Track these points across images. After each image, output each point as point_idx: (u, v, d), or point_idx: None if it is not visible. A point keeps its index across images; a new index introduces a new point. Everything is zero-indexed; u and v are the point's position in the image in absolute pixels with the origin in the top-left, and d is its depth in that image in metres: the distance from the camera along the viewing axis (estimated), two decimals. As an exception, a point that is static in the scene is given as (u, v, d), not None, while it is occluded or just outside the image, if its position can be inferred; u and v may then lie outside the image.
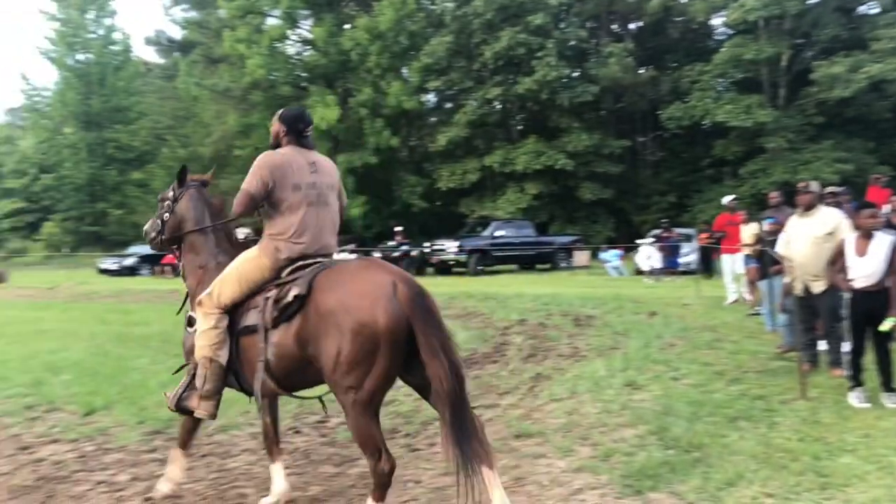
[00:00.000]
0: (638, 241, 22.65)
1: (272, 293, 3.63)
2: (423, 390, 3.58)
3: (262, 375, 3.64)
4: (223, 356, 3.83)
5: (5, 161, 52.59)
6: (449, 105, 38.10)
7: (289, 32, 34.88)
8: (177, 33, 46.27)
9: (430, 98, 38.50)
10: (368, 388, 3.31)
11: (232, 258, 4.02)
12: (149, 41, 47.65)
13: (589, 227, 32.42)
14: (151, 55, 51.15)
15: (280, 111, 4.03)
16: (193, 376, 3.91)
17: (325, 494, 4.19)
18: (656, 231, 21.78)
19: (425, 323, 3.30)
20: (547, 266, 24.89)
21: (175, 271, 25.53)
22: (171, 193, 4.52)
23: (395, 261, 23.82)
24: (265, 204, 3.79)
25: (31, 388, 6.86)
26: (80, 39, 44.00)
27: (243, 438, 5.27)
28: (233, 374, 3.90)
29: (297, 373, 3.59)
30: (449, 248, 23.60)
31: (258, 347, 3.63)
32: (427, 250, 24.27)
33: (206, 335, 3.80)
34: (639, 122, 37.84)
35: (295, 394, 3.85)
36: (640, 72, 35.41)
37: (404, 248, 24.04)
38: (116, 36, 44.86)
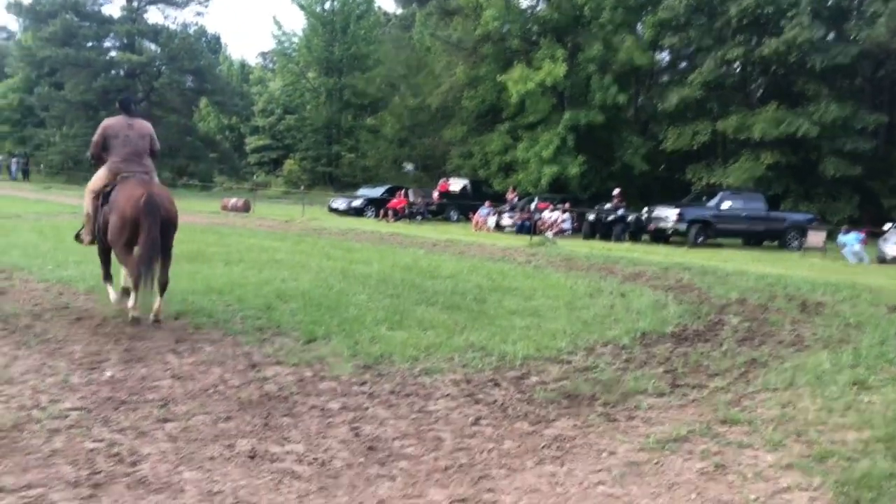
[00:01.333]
0: (886, 226, 20.40)
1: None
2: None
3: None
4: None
5: (256, 100, 57.61)
6: (683, 64, 36.21)
7: (524, -17, 34.76)
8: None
9: (664, 56, 36.81)
10: (118, 243, 6.83)
11: None
12: (391, -8, 49.72)
13: (829, 204, 29.49)
14: (391, 5, 53.29)
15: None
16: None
17: (518, 450, 4.19)
18: (909, 216, 19.45)
19: (146, 219, 6.56)
20: (775, 244, 23.18)
21: (396, 216, 26.81)
22: None
23: (608, 225, 23.33)
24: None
25: (263, 312, 7.50)
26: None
27: (445, 383, 5.41)
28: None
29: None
30: (668, 215, 22.66)
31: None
32: (644, 216, 23.48)
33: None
34: (901, 94, 33.70)
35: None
36: (911, 35, 31.34)
37: (620, 211, 23.41)
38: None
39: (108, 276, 7.70)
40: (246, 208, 27.28)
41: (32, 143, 50.68)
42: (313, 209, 30.54)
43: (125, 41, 47.17)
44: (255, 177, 55.83)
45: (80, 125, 45.88)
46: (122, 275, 7.40)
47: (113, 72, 46.67)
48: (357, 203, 30.37)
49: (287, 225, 21.57)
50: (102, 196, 7.24)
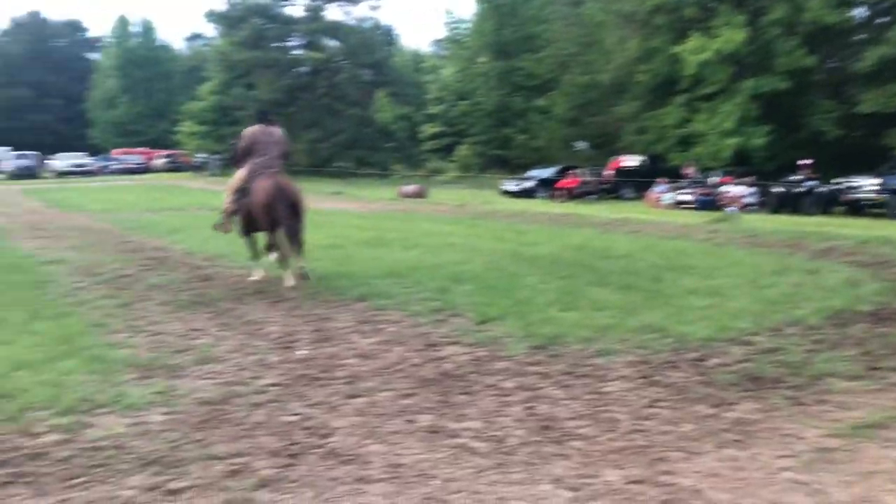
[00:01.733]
0: None
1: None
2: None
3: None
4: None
5: (430, 88, 58.96)
6: (882, 20, 32.92)
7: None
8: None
9: (859, 12, 33.66)
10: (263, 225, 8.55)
11: None
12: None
13: None
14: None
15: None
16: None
17: (696, 433, 4.09)
18: None
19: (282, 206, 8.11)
20: None
21: (570, 195, 26.58)
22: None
23: (796, 198, 21.83)
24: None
25: (438, 294, 7.77)
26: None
27: (620, 365, 5.35)
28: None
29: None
30: (866, 185, 20.83)
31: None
32: (838, 187, 21.74)
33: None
34: None
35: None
36: None
37: (810, 183, 21.83)
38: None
39: (255, 257, 9.17)
40: (421, 194, 28.13)
41: (229, 141, 55.04)
42: (486, 192, 30.92)
43: (308, 40, 49.88)
44: (429, 163, 57.29)
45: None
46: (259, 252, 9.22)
47: (297, 70, 49.53)
48: (528, 184, 30.40)
49: (460, 209, 22.03)
50: (241, 192, 8.75)
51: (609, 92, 37.78)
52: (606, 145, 39.81)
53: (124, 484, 3.40)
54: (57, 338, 5.85)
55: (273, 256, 9.01)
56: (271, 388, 4.81)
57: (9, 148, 62.26)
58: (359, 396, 4.67)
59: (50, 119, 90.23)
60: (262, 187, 8.32)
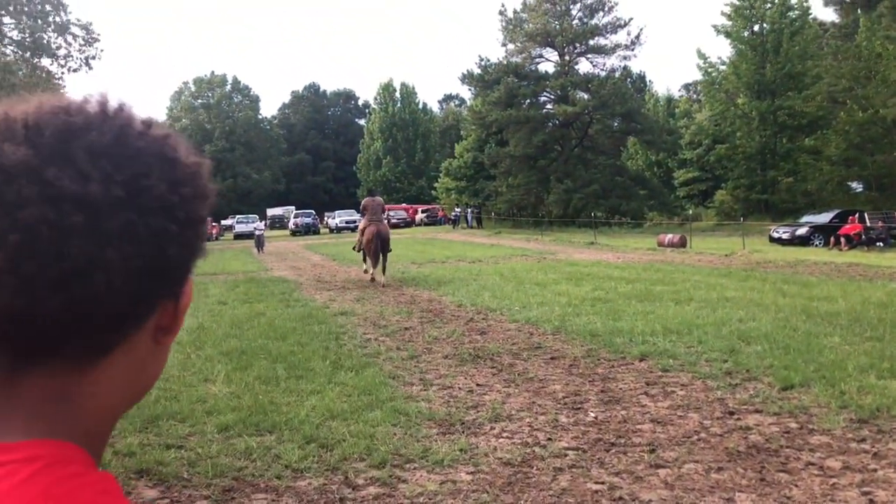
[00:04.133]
0: None
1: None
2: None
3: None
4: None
5: (683, 133, 57.14)
6: None
7: None
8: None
9: None
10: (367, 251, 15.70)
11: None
12: (827, 1, 45.46)
13: None
14: (828, 15, 48.78)
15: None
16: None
17: None
18: None
19: (379, 242, 15.00)
20: None
21: (851, 243, 24.11)
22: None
23: None
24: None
25: (727, 355, 7.27)
26: (757, 10, 44.61)
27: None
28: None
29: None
30: None
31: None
32: None
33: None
34: None
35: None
36: None
37: None
38: (793, 2, 44.02)
39: (365, 262, 16.38)
40: (682, 243, 27.03)
41: (483, 195, 57.12)
42: (752, 240, 28.96)
43: (559, 94, 50.76)
44: (685, 210, 55.23)
45: (524, 176, 50.39)
46: (369, 263, 15.82)
47: (549, 124, 50.48)
48: (802, 231, 28.03)
49: (728, 259, 20.80)
50: (361, 232, 15.75)
51: (894, 128, 34.08)
52: (891, 187, 35.87)
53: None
54: (360, 389, 6.24)
55: (370, 267, 15.87)
56: (569, 452, 4.71)
57: (292, 207, 69.95)
58: (663, 467, 4.42)
59: (324, 180, 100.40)
60: (370, 230, 15.15)
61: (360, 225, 16.02)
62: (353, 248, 16.82)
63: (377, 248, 15.01)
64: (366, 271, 16.27)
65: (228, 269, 22.14)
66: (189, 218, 0.63)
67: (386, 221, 16.25)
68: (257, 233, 32.39)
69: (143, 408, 5.81)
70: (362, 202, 16.18)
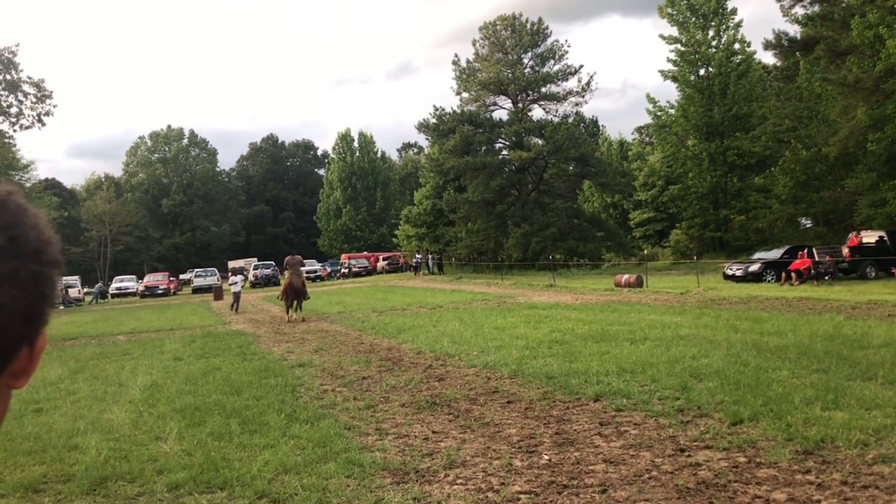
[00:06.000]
0: None
1: None
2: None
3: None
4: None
5: (637, 175, 58.36)
6: None
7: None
8: (796, 32, 44.76)
9: None
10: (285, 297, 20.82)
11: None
12: (767, 45, 47.09)
13: None
14: (769, 58, 50.52)
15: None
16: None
17: None
18: None
19: (292, 291, 20.10)
20: None
21: (801, 278, 24.69)
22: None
23: None
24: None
25: (679, 392, 7.38)
26: (702, 55, 46.13)
27: None
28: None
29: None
30: None
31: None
32: None
33: None
34: None
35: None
36: None
37: None
38: (737, 47, 45.61)
39: (287, 310, 20.43)
40: (639, 283, 27.40)
41: (444, 241, 57.42)
42: (706, 278, 29.53)
43: (514, 140, 51.56)
44: (641, 250, 56.09)
45: (482, 221, 50.79)
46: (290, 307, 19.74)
47: (506, 169, 51.17)
48: (754, 268, 28.63)
49: (683, 297, 21.14)
50: (286, 284, 20.49)
51: (837, 165, 35.26)
52: (838, 222, 36.95)
53: None
54: (315, 441, 6.20)
55: (291, 312, 20.28)
56: (522, 496, 4.73)
57: (253, 259, 69.36)
58: (614, 507, 4.46)
59: (285, 231, 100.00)
60: (286, 283, 20.39)
61: (285, 278, 21.19)
62: (278, 297, 22.62)
63: (291, 296, 20.02)
64: (288, 312, 20.43)
65: (185, 324, 21.84)
66: (54, 260, 0.68)
67: (304, 275, 22.59)
68: (235, 290, 26.71)
69: (91, 469, 5.70)
70: (285, 260, 21.17)
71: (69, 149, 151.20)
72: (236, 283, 27.26)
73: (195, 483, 5.21)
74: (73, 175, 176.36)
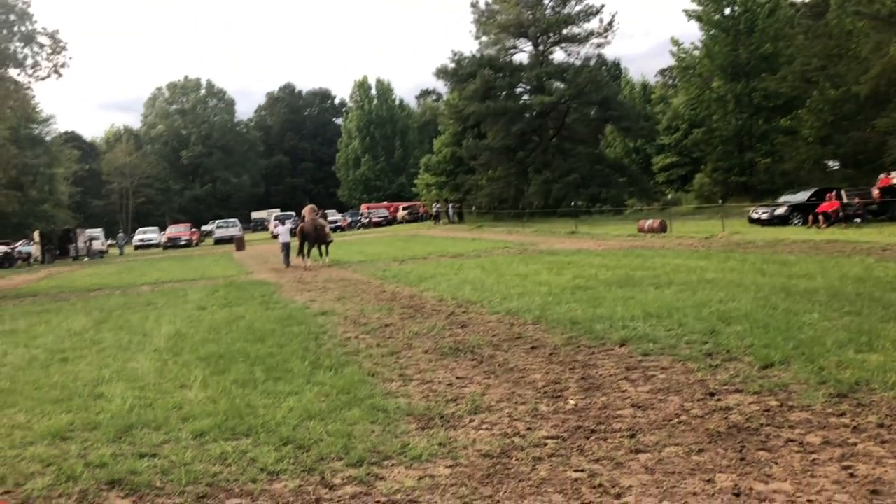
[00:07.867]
0: None
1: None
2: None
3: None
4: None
5: (660, 119, 57.29)
6: None
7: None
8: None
9: None
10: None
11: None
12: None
13: None
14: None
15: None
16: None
17: None
18: None
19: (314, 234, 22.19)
20: None
21: (829, 220, 24.25)
22: None
23: None
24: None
25: (707, 336, 7.25)
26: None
27: None
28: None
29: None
30: None
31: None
32: None
33: None
34: None
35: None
36: None
37: None
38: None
39: (300, 254, 21.97)
40: (662, 228, 27.11)
41: (464, 189, 57.01)
42: (732, 222, 29.08)
43: (535, 84, 50.67)
44: (665, 195, 55.42)
45: (503, 168, 50.32)
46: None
47: (527, 115, 50.42)
48: (781, 211, 28.19)
49: (708, 241, 20.87)
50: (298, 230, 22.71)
51: (867, 104, 34.28)
52: (868, 163, 36.10)
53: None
54: (339, 388, 6.16)
55: (308, 257, 21.82)
56: (549, 441, 4.65)
57: (276, 210, 69.54)
58: (643, 451, 4.37)
59: (304, 181, 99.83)
60: (301, 227, 22.21)
61: (301, 223, 22.64)
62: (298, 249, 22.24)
63: (301, 240, 21.60)
64: (300, 257, 21.76)
65: (208, 274, 21.95)
66: None
67: (322, 220, 24.12)
68: (283, 240, 23.90)
69: (117, 417, 5.71)
70: (303, 211, 23.76)
71: (89, 102, 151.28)
72: (283, 232, 24.23)
73: (220, 430, 5.19)
74: (93, 128, 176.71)
